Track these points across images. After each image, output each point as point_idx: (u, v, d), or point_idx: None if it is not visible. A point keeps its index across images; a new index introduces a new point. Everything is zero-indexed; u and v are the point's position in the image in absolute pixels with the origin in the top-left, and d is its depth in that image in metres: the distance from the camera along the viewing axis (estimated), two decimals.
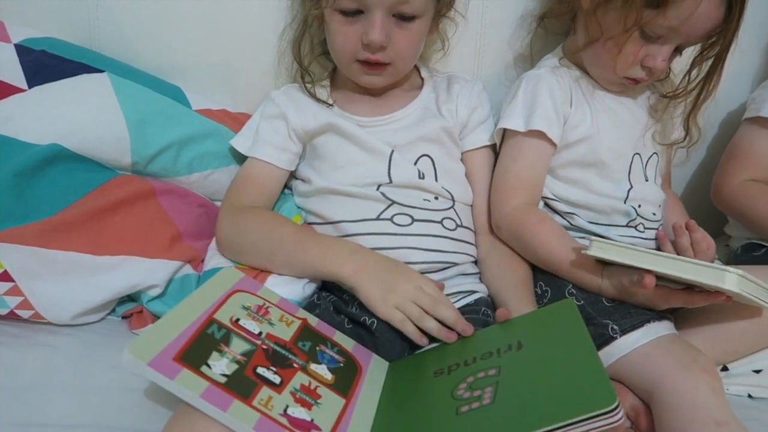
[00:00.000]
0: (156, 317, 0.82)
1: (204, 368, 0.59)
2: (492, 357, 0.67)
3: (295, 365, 0.65)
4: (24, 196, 0.80)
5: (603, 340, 0.77)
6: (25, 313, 0.77)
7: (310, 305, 0.81)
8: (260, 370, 0.62)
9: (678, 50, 0.87)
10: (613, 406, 0.52)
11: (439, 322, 0.74)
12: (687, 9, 0.79)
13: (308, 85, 0.93)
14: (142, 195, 0.87)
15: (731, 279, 0.67)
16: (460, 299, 0.83)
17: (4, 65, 0.87)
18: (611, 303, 0.80)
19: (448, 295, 0.83)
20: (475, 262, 0.90)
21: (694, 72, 0.91)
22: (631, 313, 0.78)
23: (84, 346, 0.77)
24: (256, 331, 0.67)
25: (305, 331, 0.72)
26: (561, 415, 0.54)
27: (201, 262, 0.88)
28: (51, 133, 0.83)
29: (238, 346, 0.64)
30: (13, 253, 0.76)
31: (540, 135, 0.88)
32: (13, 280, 0.76)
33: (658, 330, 0.76)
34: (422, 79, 0.97)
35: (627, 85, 0.91)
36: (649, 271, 0.72)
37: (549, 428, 0.53)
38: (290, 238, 0.82)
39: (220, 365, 0.60)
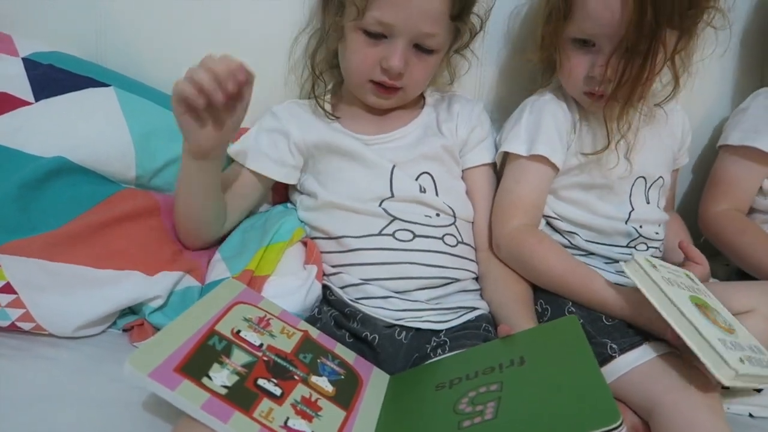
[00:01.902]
0: (157, 330, 0.82)
1: (205, 380, 0.59)
2: (494, 372, 0.67)
3: (296, 377, 0.65)
4: (29, 208, 0.80)
5: (602, 358, 0.77)
6: (26, 326, 0.76)
7: (311, 319, 0.81)
8: (261, 382, 0.62)
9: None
10: (616, 424, 0.52)
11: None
12: (593, 10, 0.81)
13: (318, 99, 0.93)
14: (145, 209, 0.87)
15: (727, 375, 0.64)
16: (461, 315, 0.84)
17: (11, 79, 0.88)
18: (611, 322, 0.80)
19: (449, 310, 0.84)
20: (476, 279, 0.91)
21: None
22: (629, 332, 0.79)
23: (85, 358, 0.76)
24: (257, 343, 0.67)
25: (306, 343, 0.72)
26: (564, 431, 0.54)
27: (202, 272, 0.88)
28: (57, 146, 0.84)
29: (239, 358, 0.64)
30: (17, 265, 0.76)
31: (543, 160, 0.89)
32: (15, 292, 0.76)
33: (657, 349, 0.76)
34: (423, 98, 0.98)
35: (594, 103, 0.88)
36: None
37: None
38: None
39: (220, 377, 0.60)
